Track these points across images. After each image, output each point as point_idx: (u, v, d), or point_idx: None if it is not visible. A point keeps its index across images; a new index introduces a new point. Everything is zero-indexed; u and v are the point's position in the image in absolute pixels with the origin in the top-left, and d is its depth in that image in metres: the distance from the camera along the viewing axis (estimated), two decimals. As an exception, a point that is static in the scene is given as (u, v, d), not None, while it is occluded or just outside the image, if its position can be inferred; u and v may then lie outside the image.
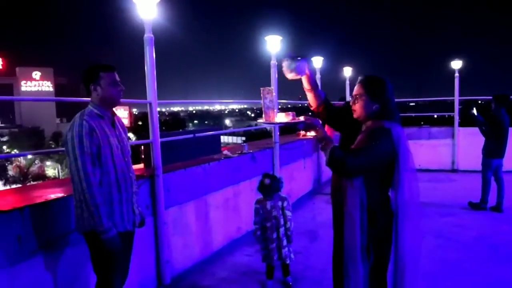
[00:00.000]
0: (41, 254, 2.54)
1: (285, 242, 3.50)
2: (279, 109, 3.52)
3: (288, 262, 3.56)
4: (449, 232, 4.95)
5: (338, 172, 2.15)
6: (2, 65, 50.82)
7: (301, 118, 2.15)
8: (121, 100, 2.54)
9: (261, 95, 2.24)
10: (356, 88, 2.18)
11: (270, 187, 3.50)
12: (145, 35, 3.43)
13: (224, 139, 57.34)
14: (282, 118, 2.20)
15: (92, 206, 2.24)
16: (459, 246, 4.49)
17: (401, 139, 2.05)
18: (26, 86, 51.46)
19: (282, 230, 3.48)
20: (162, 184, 3.57)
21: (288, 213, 3.52)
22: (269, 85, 5.69)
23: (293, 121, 2.17)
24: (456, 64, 8.73)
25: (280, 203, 3.51)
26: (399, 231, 2.10)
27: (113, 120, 2.48)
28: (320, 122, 2.17)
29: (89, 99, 2.45)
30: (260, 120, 2.31)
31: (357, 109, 2.17)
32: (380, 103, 2.11)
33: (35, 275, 2.51)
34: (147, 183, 3.50)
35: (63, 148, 2.38)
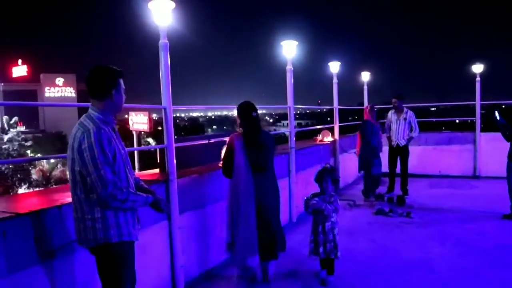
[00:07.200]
0: (56, 257, 2.56)
1: (330, 237, 3.65)
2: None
3: (332, 257, 3.67)
4: (469, 239, 4.83)
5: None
6: (27, 71, 52.25)
7: None
8: (137, 105, 2.53)
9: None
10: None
11: (332, 171, 3.87)
12: (160, 41, 3.46)
13: (242, 144, 57.18)
14: None
15: (127, 202, 2.16)
16: (479, 253, 4.38)
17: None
18: (50, 92, 52.67)
19: (328, 224, 3.65)
20: (176, 188, 3.58)
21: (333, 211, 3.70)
22: (285, 90, 5.66)
23: None
24: (478, 68, 8.54)
25: (327, 199, 3.73)
26: None
27: (113, 127, 2.34)
28: None
29: (89, 104, 2.34)
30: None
31: None
32: None
33: (50, 278, 2.54)
34: (162, 188, 3.51)
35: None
